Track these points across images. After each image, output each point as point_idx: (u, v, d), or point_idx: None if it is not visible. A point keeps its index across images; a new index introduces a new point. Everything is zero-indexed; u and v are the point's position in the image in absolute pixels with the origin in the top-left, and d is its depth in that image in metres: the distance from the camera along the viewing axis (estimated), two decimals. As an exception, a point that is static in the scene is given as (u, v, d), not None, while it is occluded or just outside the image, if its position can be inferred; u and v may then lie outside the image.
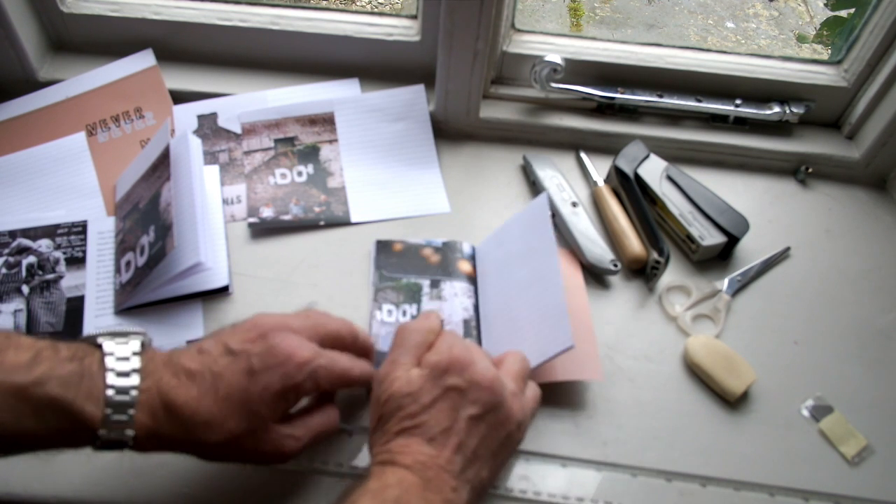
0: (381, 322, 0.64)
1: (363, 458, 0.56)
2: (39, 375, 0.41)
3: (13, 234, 0.67)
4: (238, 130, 0.76)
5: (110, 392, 0.43)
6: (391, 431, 0.48)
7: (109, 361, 0.44)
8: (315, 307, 0.65)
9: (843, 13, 0.96)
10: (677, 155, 0.78)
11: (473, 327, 0.64)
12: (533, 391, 0.54)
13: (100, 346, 0.45)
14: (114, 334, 0.46)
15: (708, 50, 0.80)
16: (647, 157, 0.75)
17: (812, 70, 0.79)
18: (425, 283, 0.66)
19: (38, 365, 0.42)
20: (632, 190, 0.72)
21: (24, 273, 0.65)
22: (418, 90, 0.78)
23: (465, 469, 0.46)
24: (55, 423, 0.42)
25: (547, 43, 0.79)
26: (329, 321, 0.52)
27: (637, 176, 0.73)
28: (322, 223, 0.71)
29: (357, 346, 0.54)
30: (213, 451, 0.47)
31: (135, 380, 0.44)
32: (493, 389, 0.48)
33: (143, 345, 0.46)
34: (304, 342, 0.49)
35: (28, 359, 0.42)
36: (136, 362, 0.44)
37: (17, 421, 0.41)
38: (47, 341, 0.44)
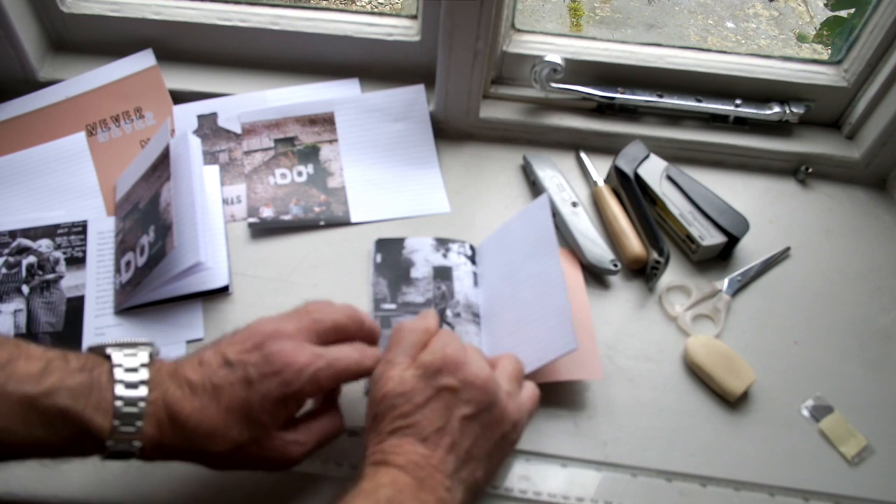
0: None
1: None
2: (50, 386, 0.42)
3: (13, 234, 0.67)
4: (238, 130, 0.76)
5: (119, 403, 0.43)
6: (384, 431, 0.47)
7: (118, 373, 0.44)
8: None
9: (843, 13, 0.96)
10: (677, 155, 0.78)
11: (473, 327, 0.64)
12: (530, 391, 0.54)
13: (108, 358, 0.45)
14: (122, 345, 0.46)
15: (708, 50, 0.80)
16: (647, 157, 0.75)
17: (812, 70, 0.79)
18: (425, 283, 0.66)
19: (48, 375, 0.42)
20: (632, 190, 0.72)
21: (24, 273, 0.65)
22: (418, 90, 0.78)
23: (458, 469, 0.46)
24: (65, 433, 0.42)
25: (547, 43, 0.79)
26: (326, 315, 0.51)
27: (637, 176, 0.73)
28: (322, 223, 0.71)
29: (363, 332, 0.53)
30: (219, 461, 0.47)
31: (143, 391, 0.44)
32: (486, 389, 0.48)
33: (151, 356, 0.46)
34: (301, 346, 0.48)
35: (38, 369, 0.42)
36: (144, 374, 0.44)
37: (27, 430, 0.41)
38: (57, 351, 0.44)
